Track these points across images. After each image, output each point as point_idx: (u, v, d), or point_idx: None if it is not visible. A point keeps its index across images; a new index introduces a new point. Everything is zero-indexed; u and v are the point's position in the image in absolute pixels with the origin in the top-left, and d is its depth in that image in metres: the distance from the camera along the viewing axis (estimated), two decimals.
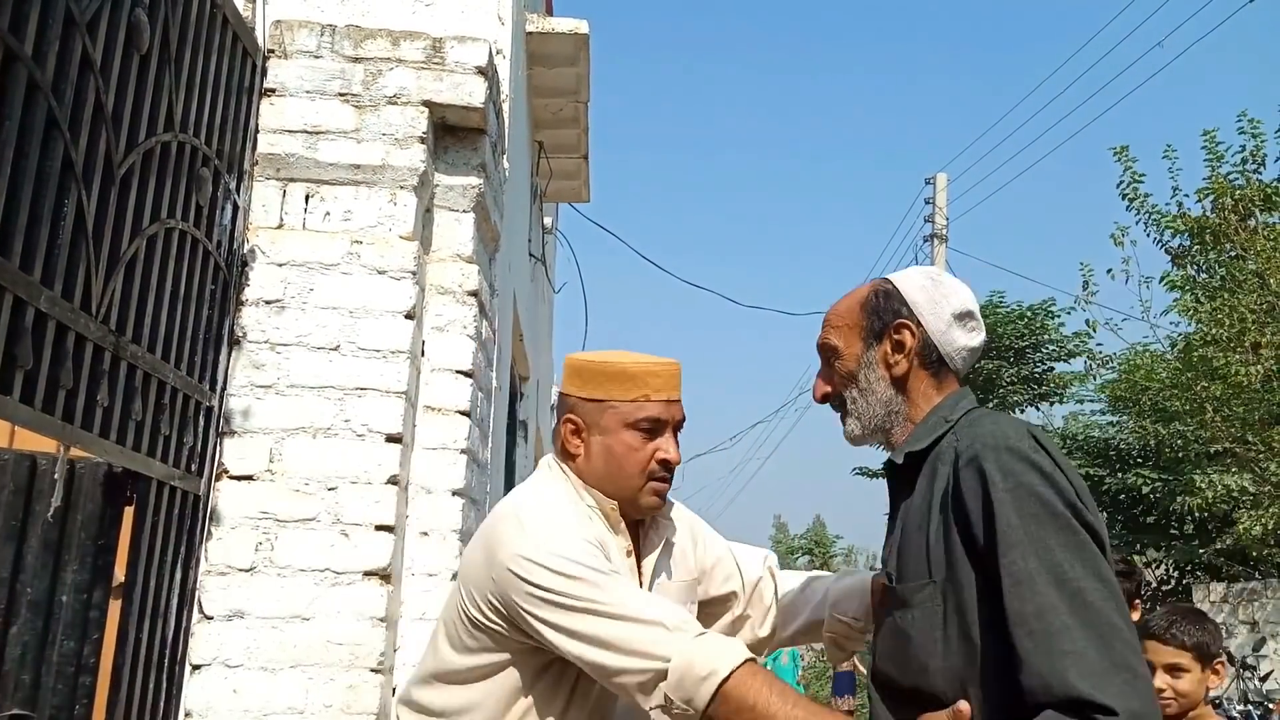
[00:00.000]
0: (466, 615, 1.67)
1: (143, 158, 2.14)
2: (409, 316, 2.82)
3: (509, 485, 4.85)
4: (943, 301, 1.54)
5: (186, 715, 2.52)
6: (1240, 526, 10.09)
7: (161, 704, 2.41)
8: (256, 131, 2.83)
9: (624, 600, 1.55)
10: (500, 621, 1.62)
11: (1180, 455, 13.08)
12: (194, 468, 2.53)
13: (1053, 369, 18.81)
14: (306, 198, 2.86)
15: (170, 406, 2.36)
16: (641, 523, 1.82)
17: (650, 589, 1.77)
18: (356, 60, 2.91)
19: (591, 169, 6.59)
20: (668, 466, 1.76)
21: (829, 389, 1.61)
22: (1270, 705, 8.37)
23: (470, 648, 1.68)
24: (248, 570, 2.62)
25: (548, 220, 7.29)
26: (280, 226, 2.83)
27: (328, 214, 2.85)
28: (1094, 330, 11.54)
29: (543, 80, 5.22)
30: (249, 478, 2.68)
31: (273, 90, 2.86)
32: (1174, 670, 2.44)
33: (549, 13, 6.10)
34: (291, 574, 2.62)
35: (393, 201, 2.88)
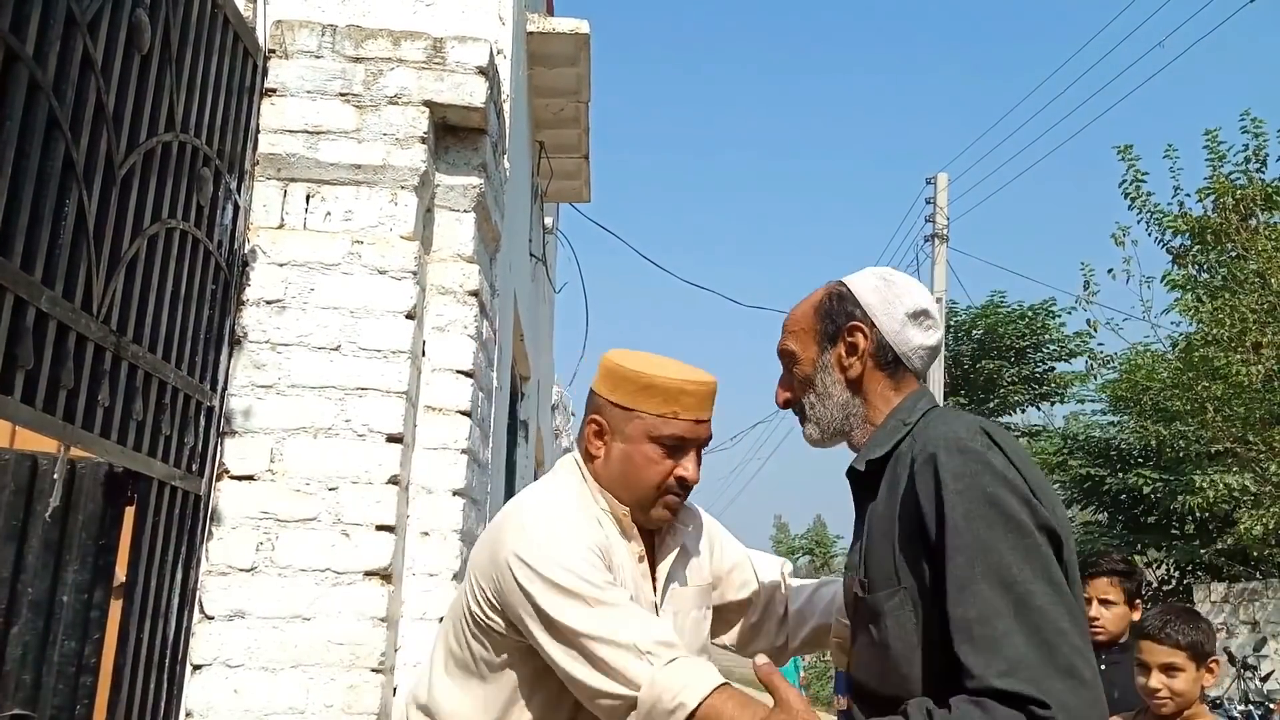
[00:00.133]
0: (470, 613, 1.67)
1: (144, 158, 2.14)
2: (410, 316, 2.82)
3: (509, 485, 4.85)
4: (896, 301, 1.53)
5: (187, 715, 2.52)
6: (1241, 526, 10.10)
7: (162, 704, 2.41)
8: (257, 131, 2.83)
9: (606, 618, 1.52)
10: (499, 619, 1.63)
11: (1181, 455, 13.09)
12: (195, 468, 2.53)
13: (1053, 369, 18.83)
14: (307, 198, 2.86)
15: (171, 406, 2.36)
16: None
17: (664, 594, 1.76)
18: (357, 60, 2.91)
19: (592, 169, 6.58)
20: (684, 485, 1.74)
21: (788, 395, 1.61)
22: (1271, 705, 8.36)
23: (473, 648, 1.68)
24: (248, 570, 2.62)
25: (548, 220, 7.28)
26: (281, 226, 2.83)
27: (328, 214, 2.85)
28: (1095, 330, 11.57)
29: (543, 80, 5.22)
30: (250, 478, 2.68)
31: (273, 90, 2.86)
32: (1169, 670, 2.46)
33: (550, 13, 6.10)
34: (292, 574, 2.63)
35: (393, 201, 2.88)
